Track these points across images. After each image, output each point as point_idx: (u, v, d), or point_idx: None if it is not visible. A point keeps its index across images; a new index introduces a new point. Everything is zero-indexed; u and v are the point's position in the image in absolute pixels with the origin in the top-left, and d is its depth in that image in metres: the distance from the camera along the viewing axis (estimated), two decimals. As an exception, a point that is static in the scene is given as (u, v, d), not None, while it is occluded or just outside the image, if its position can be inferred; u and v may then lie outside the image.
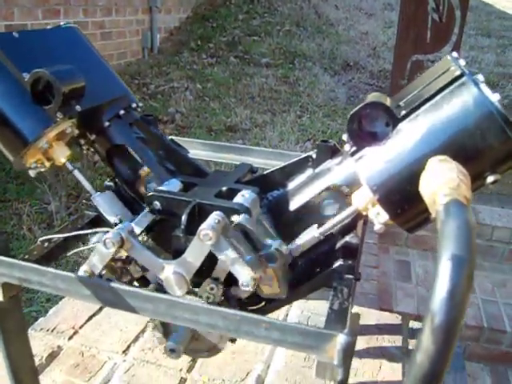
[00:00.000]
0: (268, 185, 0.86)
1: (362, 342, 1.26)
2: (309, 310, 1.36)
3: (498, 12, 7.93)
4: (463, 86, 0.60)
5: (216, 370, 1.14)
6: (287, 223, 0.82)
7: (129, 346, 1.20)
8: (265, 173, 0.88)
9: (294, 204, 0.81)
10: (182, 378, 1.13)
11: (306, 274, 0.81)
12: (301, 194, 0.81)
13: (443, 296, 0.39)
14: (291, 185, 0.84)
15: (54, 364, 1.15)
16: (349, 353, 0.56)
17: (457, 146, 0.59)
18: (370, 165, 0.65)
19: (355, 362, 1.20)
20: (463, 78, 0.61)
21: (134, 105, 0.94)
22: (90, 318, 1.31)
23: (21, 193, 3.36)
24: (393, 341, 1.26)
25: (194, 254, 0.70)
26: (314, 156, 0.83)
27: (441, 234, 0.42)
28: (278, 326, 0.58)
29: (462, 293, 0.40)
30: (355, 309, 1.39)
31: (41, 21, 4.26)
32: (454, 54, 0.71)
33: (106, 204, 0.85)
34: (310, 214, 0.80)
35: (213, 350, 0.77)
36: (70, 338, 1.24)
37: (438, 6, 4.79)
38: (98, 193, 0.87)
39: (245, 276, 0.67)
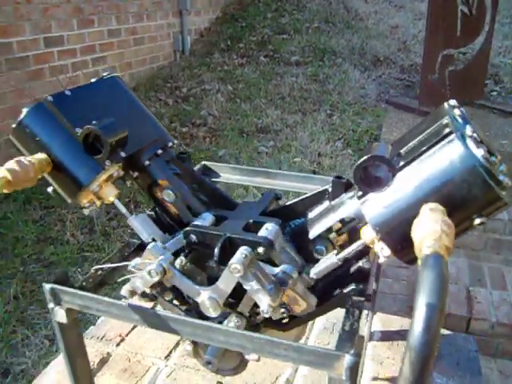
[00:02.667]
0: (290, 214, 0.97)
1: (383, 348, 1.35)
2: (335, 318, 1.47)
3: (533, -3, 7.74)
4: (451, 143, 0.70)
5: (248, 375, 1.26)
6: (307, 249, 0.93)
7: (170, 352, 1.33)
8: (287, 203, 0.99)
9: (312, 233, 0.92)
10: (218, 381, 1.25)
11: (325, 294, 0.92)
12: (318, 223, 0.92)
13: (418, 336, 0.49)
14: (310, 215, 0.95)
15: (104, 369, 1.29)
16: (354, 370, 0.66)
17: (446, 195, 0.68)
18: (373, 208, 0.75)
19: (376, 367, 1.29)
20: (451, 136, 0.70)
21: (170, 144, 1.06)
22: (135, 326, 1.45)
23: (63, 200, 3.57)
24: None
25: (225, 283, 0.82)
26: (330, 190, 0.93)
27: (419, 282, 0.52)
28: (295, 347, 0.69)
29: (434, 334, 0.49)
30: (380, 315, 1.48)
31: (76, 31, 4.44)
32: (452, 101, 0.79)
33: (139, 225, 0.97)
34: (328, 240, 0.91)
35: (237, 368, 0.89)
36: (118, 344, 1.38)
37: (467, -1, 4.75)
38: (133, 215, 0.99)
39: (264, 305, 0.78)
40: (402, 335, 1.39)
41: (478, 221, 0.68)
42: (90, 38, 4.64)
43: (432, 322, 0.50)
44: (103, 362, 1.31)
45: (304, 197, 0.97)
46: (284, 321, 0.94)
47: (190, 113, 4.84)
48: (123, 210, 1.01)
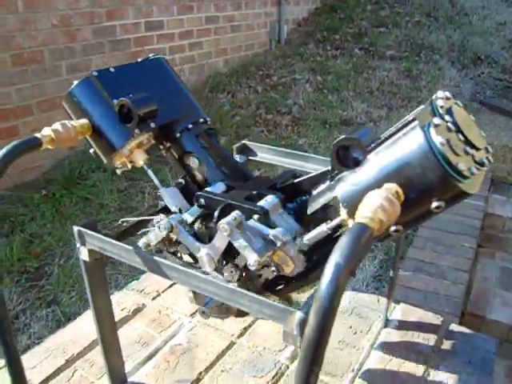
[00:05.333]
0: (297, 191, 1.06)
1: (396, 336, 1.38)
2: (355, 302, 1.52)
3: None
4: (413, 129, 0.75)
5: (261, 340, 1.36)
6: (308, 223, 1.02)
7: (196, 311, 1.47)
8: (294, 181, 1.07)
9: (311, 209, 1.00)
10: (231, 341, 1.37)
11: (318, 263, 1.00)
12: (316, 201, 1.00)
13: (323, 289, 0.57)
14: (313, 192, 1.03)
15: (137, 317, 1.45)
16: (303, 326, 0.75)
17: (403, 177, 0.73)
18: (343, 185, 0.82)
19: (384, 352, 1.34)
20: (414, 122, 0.75)
21: (201, 120, 1.18)
22: (171, 285, 1.60)
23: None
24: (427, 339, 1.37)
25: (219, 242, 0.93)
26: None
27: (337, 243, 0.59)
28: (257, 300, 0.79)
29: (337, 289, 0.57)
30: (401, 306, 1.52)
31: (175, 16, 4.71)
32: (439, 93, 0.83)
33: (169, 196, 1.11)
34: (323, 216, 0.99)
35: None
36: (154, 298, 1.54)
37: None
38: (164, 188, 1.13)
39: (252, 259, 0.88)
40: (418, 326, 1.42)
41: (434, 204, 0.73)
42: (188, 23, 4.90)
43: (337, 278, 0.57)
44: (137, 310, 1.48)
45: (309, 176, 1.05)
46: (279, 287, 1.04)
47: (276, 101, 4.95)
48: (155, 180, 1.15)
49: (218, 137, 1.20)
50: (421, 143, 0.73)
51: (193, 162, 1.16)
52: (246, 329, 1.41)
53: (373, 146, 0.81)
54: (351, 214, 0.80)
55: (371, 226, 0.63)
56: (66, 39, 3.64)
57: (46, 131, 0.97)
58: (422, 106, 0.83)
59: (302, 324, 0.75)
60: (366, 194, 0.70)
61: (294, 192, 1.06)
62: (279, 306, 0.78)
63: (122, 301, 1.52)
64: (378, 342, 1.37)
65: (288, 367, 1.28)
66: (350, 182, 0.82)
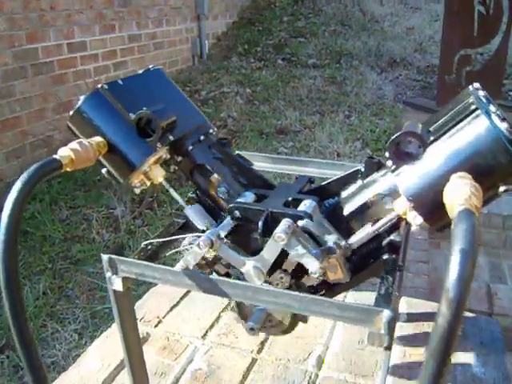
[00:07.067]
0: (325, 194, 1.04)
1: (409, 329, 1.40)
2: (360, 300, 1.53)
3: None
4: (477, 118, 0.76)
5: (282, 352, 1.33)
6: (342, 225, 1.00)
7: (206, 332, 1.40)
8: (322, 184, 1.06)
9: (347, 210, 0.98)
10: (253, 358, 1.32)
11: (361, 265, 0.99)
12: (352, 201, 0.99)
13: (455, 277, 0.56)
14: (344, 194, 1.02)
15: (145, 347, 1.36)
16: (392, 324, 0.73)
17: (473, 165, 0.75)
18: (406, 179, 0.82)
19: (403, 346, 1.35)
20: (477, 111, 0.77)
21: (211, 130, 1.14)
22: (171, 309, 1.52)
23: (88, 199, 3.65)
24: (438, 326, 1.41)
25: (270, 252, 0.89)
26: (363, 169, 1.00)
27: (453, 233, 0.59)
28: (337, 304, 0.76)
29: (468, 275, 0.56)
30: (405, 299, 1.54)
31: (98, 36, 4.57)
32: (476, 85, 0.86)
33: (195, 214, 1.05)
34: (362, 216, 0.98)
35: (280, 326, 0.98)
36: (156, 325, 1.45)
37: (484, -1, 4.79)
38: (189, 206, 1.07)
39: (313, 266, 0.85)
40: (427, 317, 1.45)
41: (502, 188, 0.75)
42: (111, 43, 4.77)
43: (466, 265, 0.56)
44: (143, 340, 1.38)
45: (337, 177, 1.04)
46: (322, 292, 1.01)
47: (209, 115, 4.92)
48: (178, 198, 1.08)
49: (231, 146, 1.16)
50: (488, 130, 0.74)
51: (207, 174, 1.11)
52: (262, 343, 1.36)
53: (431, 138, 0.81)
54: (419, 207, 0.80)
55: (474, 211, 0.63)
56: (-16, 65, 3.41)
57: (65, 151, 0.88)
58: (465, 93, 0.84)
59: (391, 322, 0.73)
60: (447, 186, 0.70)
61: (322, 195, 1.04)
62: (363, 306, 0.75)
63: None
64: (395, 336, 1.38)
65: (317, 375, 1.26)
66: (413, 175, 0.82)
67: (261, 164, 1.34)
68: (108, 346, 1.36)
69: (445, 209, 0.72)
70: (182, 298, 1.56)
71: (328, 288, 1.00)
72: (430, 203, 0.80)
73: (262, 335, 1.39)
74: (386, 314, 0.73)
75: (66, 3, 4.11)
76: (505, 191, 0.75)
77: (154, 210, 3.52)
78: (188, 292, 1.60)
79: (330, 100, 5.16)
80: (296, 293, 0.79)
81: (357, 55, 6.05)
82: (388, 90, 5.33)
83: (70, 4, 4.15)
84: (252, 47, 6.50)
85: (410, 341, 1.37)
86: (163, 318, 1.48)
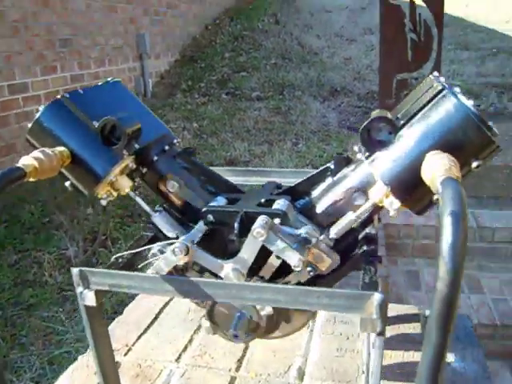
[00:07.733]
0: (296, 194, 1.04)
1: (387, 333, 1.40)
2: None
3: (472, 25, 8.30)
4: (445, 98, 0.79)
5: (261, 368, 1.28)
6: (316, 222, 0.99)
7: (180, 355, 1.34)
8: (292, 185, 1.05)
9: (320, 208, 0.98)
10: (231, 376, 1.26)
11: (343, 257, 0.98)
12: (324, 199, 0.99)
13: (449, 241, 0.56)
14: (315, 193, 1.01)
15: (117, 376, 1.29)
16: (384, 308, 0.72)
17: (445, 142, 0.77)
18: (381, 165, 0.83)
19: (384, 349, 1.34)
20: (444, 91, 0.80)
21: (175, 141, 1.12)
22: (140, 336, 1.45)
23: (37, 242, 3.50)
24: (413, 327, 1.41)
25: (249, 251, 0.86)
26: (332, 167, 1.01)
27: (441, 199, 0.59)
28: (326, 293, 0.74)
29: (462, 237, 0.56)
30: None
31: (39, 77, 4.48)
32: (435, 73, 0.89)
33: (164, 222, 1.02)
34: (335, 212, 0.97)
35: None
36: (126, 354, 1.38)
37: (414, 27, 5.08)
38: (157, 213, 1.03)
39: (295, 259, 0.83)
40: (401, 319, 1.45)
41: (475, 164, 0.77)
42: (53, 83, 4.68)
43: (459, 226, 0.56)
44: (114, 370, 1.31)
45: (307, 176, 1.04)
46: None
47: (158, 151, 4.87)
48: (146, 207, 1.05)
49: (195, 155, 1.14)
50: (457, 108, 0.77)
51: (172, 185, 1.08)
52: (240, 361, 1.31)
53: (401, 122, 0.83)
54: (396, 190, 0.81)
55: (456, 178, 0.64)
56: None
57: (27, 160, 0.84)
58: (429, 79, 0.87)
59: (383, 306, 0.72)
60: (423, 164, 0.71)
61: (294, 195, 1.04)
62: (352, 292, 0.74)
63: (90, 364, 1.33)
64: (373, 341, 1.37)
65: (300, 386, 1.22)
66: (388, 159, 0.82)
67: (234, 178, 1.33)
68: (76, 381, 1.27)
69: (423, 188, 0.72)
70: (149, 326, 1.50)
71: (316, 282, 0.98)
72: (408, 185, 0.81)
73: (237, 353, 1.34)
74: (377, 296, 0.72)
75: (5, 44, 4.02)
76: (477, 167, 0.77)
77: (108, 247, 3.41)
78: (155, 319, 1.53)
79: (277, 129, 5.24)
80: (283, 286, 0.77)
81: (299, 86, 6.21)
82: (332, 117, 5.48)
83: (9, 45, 4.07)
84: (196, 83, 6.56)
85: (388, 343, 1.36)
86: (132, 345, 1.41)
